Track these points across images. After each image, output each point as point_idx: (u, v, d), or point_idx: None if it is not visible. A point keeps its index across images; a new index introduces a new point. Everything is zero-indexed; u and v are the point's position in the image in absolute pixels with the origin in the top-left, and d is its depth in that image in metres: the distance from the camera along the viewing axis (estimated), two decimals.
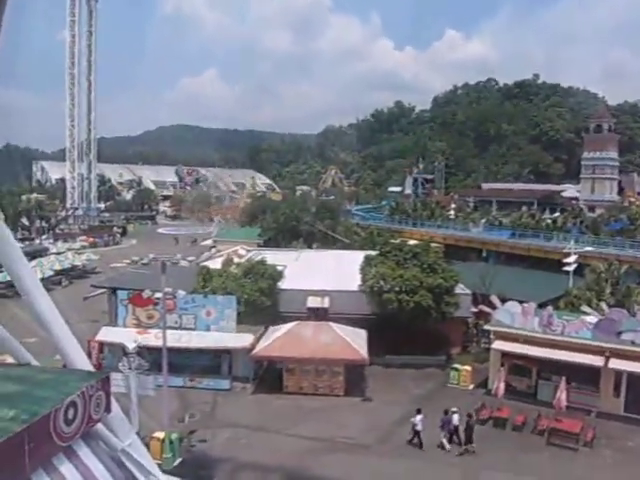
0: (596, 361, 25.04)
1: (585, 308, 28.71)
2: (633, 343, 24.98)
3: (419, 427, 22.73)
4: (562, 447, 22.60)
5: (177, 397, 27.27)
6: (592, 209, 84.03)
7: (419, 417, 22.79)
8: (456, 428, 22.73)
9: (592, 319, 26.77)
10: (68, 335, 11.90)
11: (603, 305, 29.75)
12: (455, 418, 22.79)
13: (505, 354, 27.51)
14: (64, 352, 11.51)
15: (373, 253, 36.61)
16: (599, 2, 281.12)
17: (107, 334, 30.44)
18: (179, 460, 21.43)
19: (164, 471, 19.56)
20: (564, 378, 24.05)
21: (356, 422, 25.07)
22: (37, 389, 8.69)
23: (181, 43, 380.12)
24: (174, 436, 21.67)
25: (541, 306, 32.98)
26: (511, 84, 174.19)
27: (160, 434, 21.42)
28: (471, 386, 28.99)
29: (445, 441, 22.53)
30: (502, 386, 25.07)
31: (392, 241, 49.87)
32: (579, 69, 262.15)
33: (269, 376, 29.44)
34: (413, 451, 22.61)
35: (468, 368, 29.34)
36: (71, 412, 8.24)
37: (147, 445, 19.87)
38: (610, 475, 20.85)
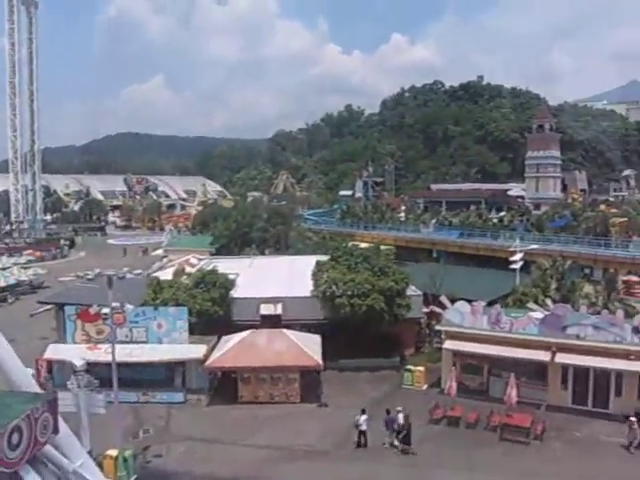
0: (543, 356, 25.77)
1: (531, 305, 29.47)
2: (578, 337, 25.80)
3: (363, 427, 23.15)
4: (514, 442, 23.18)
5: (131, 413, 26.85)
6: (537, 207, 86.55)
7: (363, 417, 23.21)
8: (401, 427, 23.05)
9: (538, 315, 27.52)
10: (11, 356, 11.61)
11: (548, 301, 30.65)
12: (400, 417, 23.16)
13: (456, 353, 28.04)
14: (8, 374, 11.23)
15: (325, 258, 36.74)
16: (538, 5, 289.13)
17: (55, 351, 29.62)
18: (134, 477, 21.00)
19: None
20: (513, 374, 24.64)
21: (313, 428, 25.12)
22: None
23: (126, 49, 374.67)
24: (128, 453, 21.21)
25: (490, 304, 33.74)
26: (457, 86, 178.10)
27: (113, 452, 20.93)
28: (425, 386, 29.39)
29: (395, 440, 22.86)
30: (454, 385, 25.54)
31: (344, 245, 50.51)
32: (521, 71, 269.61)
33: (224, 387, 29.17)
34: (369, 454, 22.82)
35: (421, 369, 29.73)
36: (15, 437, 8.06)
37: (100, 464, 19.50)
38: (560, 467, 21.45)
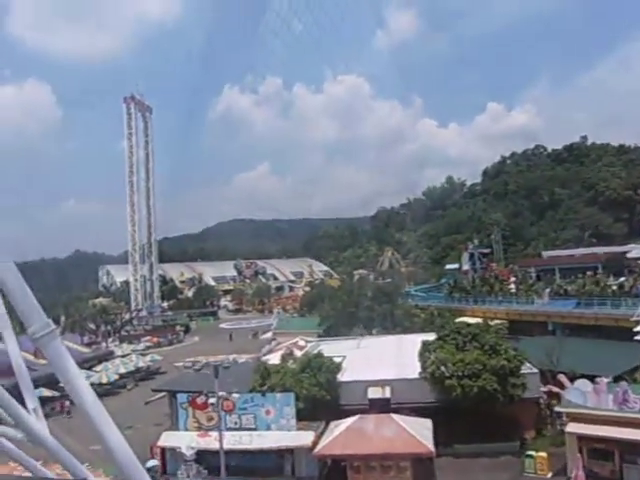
0: None
1: None
2: None
3: None
4: None
5: None
6: None
7: None
8: None
9: None
10: (124, 447, 11.87)
11: None
12: None
13: (582, 437, 25.78)
14: (120, 465, 11.47)
15: (432, 337, 35.74)
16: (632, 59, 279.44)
17: (168, 439, 30.36)
18: None
19: None
20: None
21: None
22: None
23: (233, 141, 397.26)
24: None
25: (617, 379, 31.21)
26: (560, 148, 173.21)
27: None
28: (549, 474, 27.11)
29: None
30: (581, 474, 23.33)
31: (451, 323, 49.10)
32: (626, 127, 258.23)
33: (334, 474, 28.42)
34: None
35: (543, 455, 27.54)
36: None
37: None
38: None
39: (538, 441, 30.50)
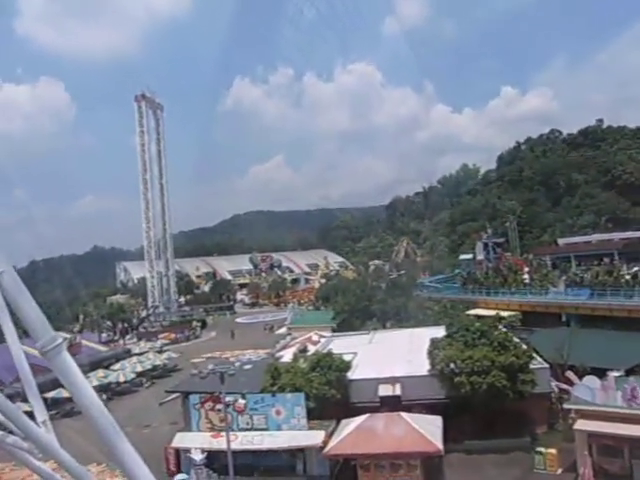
0: None
1: None
2: None
3: None
4: None
5: None
6: None
7: None
8: None
9: None
10: (135, 457, 12.10)
11: None
12: None
13: (591, 434, 25.75)
14: (131, 475, 11.74)
15: (443, 331, 35.79)
16: None
17: (182, 440, 30.80)
18: None
19: None
20: None
21: None
22: None
23: (246, 134, 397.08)
24: None
25: (629, 372, 31.08)
26: (575, 133, 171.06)
27: None
28: (559, 470, 27.12)
29: None
30: (589, 472, 23.35)
31: (466, 314, 49.13)
32: None
33: (345, 473, 28.68)
34: None
35: (553, 451, 27.52)
36: None
37: None
38: None
39: (549, 436, 30.44)
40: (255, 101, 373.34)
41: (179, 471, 30.29)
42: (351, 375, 33.15)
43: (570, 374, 27.77)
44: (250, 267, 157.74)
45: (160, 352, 65.90)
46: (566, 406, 27.67)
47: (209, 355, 63.99)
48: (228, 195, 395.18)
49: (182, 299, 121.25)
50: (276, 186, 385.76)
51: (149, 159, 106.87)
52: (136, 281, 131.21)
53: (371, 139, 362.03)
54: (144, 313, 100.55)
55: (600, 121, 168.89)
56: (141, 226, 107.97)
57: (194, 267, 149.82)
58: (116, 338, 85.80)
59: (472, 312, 54.68)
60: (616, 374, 28.47)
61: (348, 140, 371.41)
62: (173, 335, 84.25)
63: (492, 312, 51.75)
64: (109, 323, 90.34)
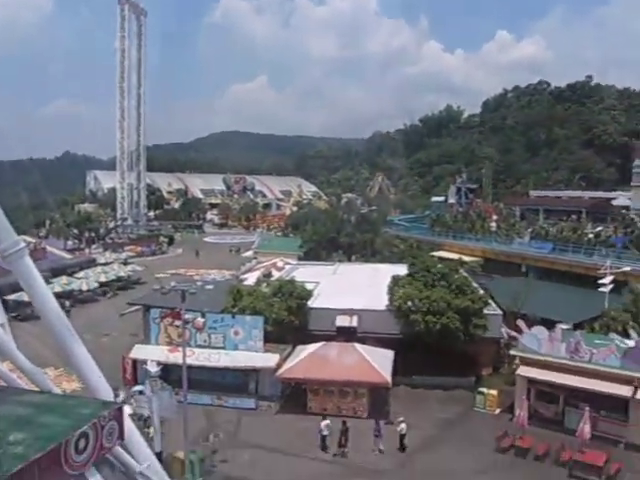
0: (624, 391, 24.36)
1: (613, 335, 27.79)
2: None
3: (325, 432, 24.81)
4: None
5: (204, 415, 27.94)
6: None
7: (324, 423, 24.96)
8: (402, 436, 24.72)
9: (630, 343, 26.01)
10: (89, 362, 12.47)
11: (633, 332, 28.79)
12: (403, 427, 24.75)
13: (531, 380, 27.06)
14: (85, 379, 12.11)
15: (405, 271, 36.48)
16: None
17: (139, 351, 31.42)
18: None
19: None
20: (588, 409, 23.42)
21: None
22: (52, 416, 9.22)
23: (230, 50, 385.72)
24: (195, 456, 22.13)
25: (576, 326, 32.42)
26: (563, 86, 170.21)
27: (181, 454, 21.92)
28: (497, 410, 28.60)
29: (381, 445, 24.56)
30: (525, 415, 24.61)
31: (430, 255, 49.91)
32: (635, 71, 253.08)
33: (294, 396, 29.74)
34: (433, 476, 22.61)
35: (494, 392, 28.91)
36: (82, 442, 8.62)
37: (170, 465, 20.59)
38: None
39: (493, 379, 31.82)
40: (244, 16, 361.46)
41: (135, 381, 31.05)
42: (311, 303, 33.80)
43: (521, 322, 28.79)
44: (223, 187, 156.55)
45: (125, 264, 65.85)
46: (512, 352, 28.83)
47: (174, 271, 64.29)
48: (207, 112, 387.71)
49: (151, 213, 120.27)
50: (256, 107, 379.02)
51: (128, 66, 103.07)
52: (106, 191, 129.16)
53: (358, 69, 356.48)
54: (112, 224, 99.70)
55: (589, 77, 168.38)
56: (115, 135, 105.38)
57: (166, 182, 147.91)
58: (82, 247, 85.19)
59: (436, 254, 55.50)
60: (564, 327, 29.74)
61: (335, 68, 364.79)
62: (139, 248, 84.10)
63: (456, 256, 52.66)
64: (76, 231, 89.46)
